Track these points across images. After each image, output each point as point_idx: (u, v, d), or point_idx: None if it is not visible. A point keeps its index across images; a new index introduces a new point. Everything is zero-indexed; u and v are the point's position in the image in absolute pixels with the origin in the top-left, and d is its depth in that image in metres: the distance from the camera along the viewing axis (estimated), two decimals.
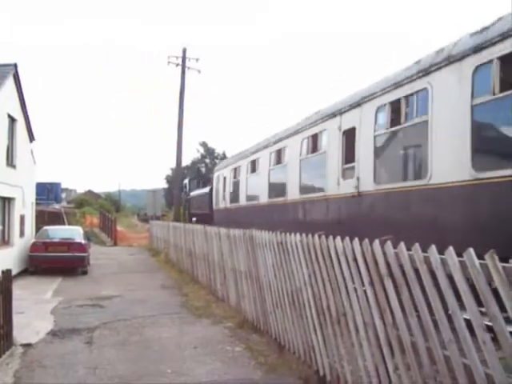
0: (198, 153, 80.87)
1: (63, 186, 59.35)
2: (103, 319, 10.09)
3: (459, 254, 3.57)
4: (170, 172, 77.47)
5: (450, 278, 3.79)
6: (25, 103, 18.09)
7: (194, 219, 28.64)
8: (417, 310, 4.26)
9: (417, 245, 4.19)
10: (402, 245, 4.38)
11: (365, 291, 5.04)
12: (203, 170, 72.81)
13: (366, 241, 4.95)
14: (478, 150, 6.90)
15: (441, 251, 3.84)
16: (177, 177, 35.49)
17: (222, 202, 21.19)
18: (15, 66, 16.70)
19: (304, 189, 12.60)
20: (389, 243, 4.61)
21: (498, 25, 6.68)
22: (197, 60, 32.93)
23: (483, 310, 3.50)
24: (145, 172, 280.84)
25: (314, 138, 12.22)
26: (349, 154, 10.33)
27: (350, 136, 10.32)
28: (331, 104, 11.57)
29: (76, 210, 51.10)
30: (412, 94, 8.46)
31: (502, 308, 3.29)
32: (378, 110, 9.42)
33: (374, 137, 9.48)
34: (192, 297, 12.51)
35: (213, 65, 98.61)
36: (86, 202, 63.53)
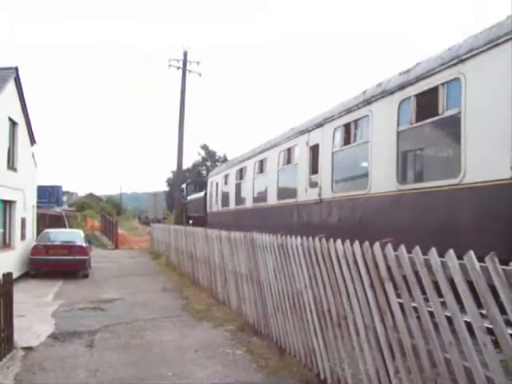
0: (199, 156, 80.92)
1: (64, 189, 59.29)
2: (104, 322, 10.09)
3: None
4: (171, 175, 77.45)
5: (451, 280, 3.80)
6: (26, 106, 18.12)
7: (190, 222, 29.86)
8: (417, 313, 4.26)
9: (417, 248, 4.19)
10: (403, 248, 4.39)
11: (365, 294, 5.04)
12: (204, 173, 72.83)
13: (367, 243, 4.96)
14: (401, 168, 8.85)
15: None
16: (178, 180, 35.52)
17: (214, 205, 23.00)
18: (16, 69, 16.74)
19: (281, 195, 14.31)
20: (389, 246, 4.61)
21: (416, 68, 8.55)
22: (197, 63, 33.02)
23: (483, 312, 3.50)
24: (146, 175, 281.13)
25: (289, 151, 13.95)
26: (314, 166, 12.01)
27: (315, 151, 11.98)
28: (303, 122, 13.20)
29: (77, 213, 51.21)
30: (359, 119, 10.18)
31: (503, 310, 3.29)
32: (335, 130, 11.13)
33: (332, 153, 11.14)
34: (193, 300, 12.51)
35: (213, 65, 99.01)
36: (87, 205, 63.65)
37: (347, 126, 10.62)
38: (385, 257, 4.63)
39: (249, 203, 17.30)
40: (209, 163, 77.91)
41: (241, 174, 18.79)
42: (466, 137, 7.20)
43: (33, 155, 20.75)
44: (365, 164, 9.80)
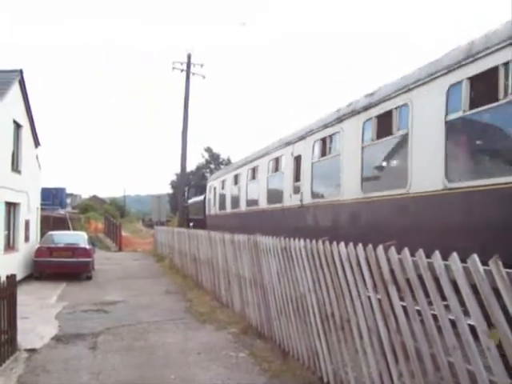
0: (203, 158, 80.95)
1: (68, 191, 59.43)
2: (107, 324, 10.10)
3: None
4: (174, 177, 77.51)
5: (454, 283, 3.79)
6: (30, 109, 18.17)
7: (191, 224, 30.38)
8: (420, 316, 4.25)
9: (421, 251, 4.18)
10: (406, 251, 4.38)
11: (369, 297, 5.03)
12: (208, 175, 72.89)
13: (370, 246, 4.96)
14: (365, 179, 10.00)
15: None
16: (181, 183, 35.55)
17: (212, 209, 24.29)
18: (21, 71, 16.79)
19: (270, 200, 15.53)
20: (393, 249, 4.60)
21: (377, 92, 9.71)
22: (201, 66, 33.01)
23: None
24: (150, 177, 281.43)
25: (277, 160, 15.18)
26: (297, 175, 13.25)
27: (298, 161, 13.24)
28: (289, 134, 14.56)
29: (81, 216, 51.28)
30: (333, 134, 11.38)
31: (506, 314, 3.28)
32: (314, 143, 12.31)
33: (312, 163, 12.38)
34: (196, 302, 12.51)
35: (213, 65, 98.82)
36: (90, 207, 63.74)
37: (324, 140, 11.91)
38: (388, 260, 4.63)
39: (243, 207, 18.61)
40: (212, 166, 77.94)
41: (236, 179, 20.08)
42: (412, 154, 8.36)
43: (37, 157, 20.80)
44: (338, 174, 10.94)
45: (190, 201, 34.46)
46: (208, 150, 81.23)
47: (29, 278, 17.46)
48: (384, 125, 9.31)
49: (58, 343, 8.70)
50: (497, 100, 6.63)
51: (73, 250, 18.03)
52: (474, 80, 7.08)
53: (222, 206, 22.13)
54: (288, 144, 14.10)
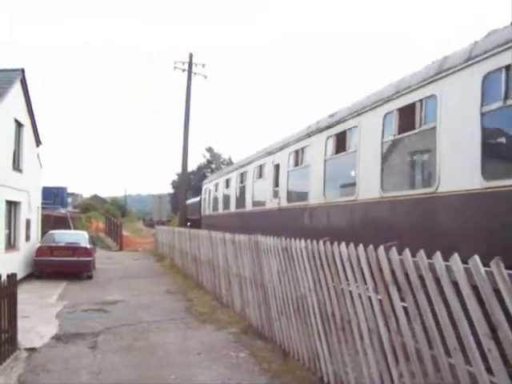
0: (204, 158, 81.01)
1: (69, 190, 59.40)
2: (108, 324, 10.09)
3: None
4: (175, 177, 77.60)
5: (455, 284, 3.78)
6: (32, 108, 18.18)
7: (188, 223, 31.15)
8: (421, 317, 4.24)
9: (422, 252, 4.18)
10: (407, 251, 4.37)
11: (369, 297, 5.02)
12: (209, 175, 72.90)
13: (371, 247, 4.95)
14: (326, 187, 11.30)
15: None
16: (182, 182, 35.55)
17: (207, 209, 26.07)
18: (22, 70, 16.79)
19: (255, 203, 17.02)
20: (394, 249, 4.60)
21: (337, 114, 11.07)
22: (203, 66, 32.99)
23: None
24: (151, 177, 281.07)
25: (261, 168, 16.69)
26: (277, 181, 14.80)
27: (278, 169, 14.79)
28: (271, 144, 16.10)
29: (82, 215, 51.26)
30: (304, 147, 12.88)
31: (507, 315, 3.28)
32: (290, 154, 13.84)
33: (287, 171, 13.92)
34: (197, 302, 12.51)
35: (213, 65, 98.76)
36: (91, 206, 63.72)
37: (297, 152, 13.48)
38: (389, 260, 4.62)
39: (233, 208, 20.20)
40: (214, 166, 77.98)
41: (227, 183, 21.68)
42: (359, 168, 9.84)
43: (38, 156, 20.80)
44: (307, 182, 12.41)
45: (188, 201, 35.31)
46: (209, 149, 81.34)
47: (29, 277, 17.46)
48: (340, 142, 10.84)
49: (58, 342, 8.70)
50: (414, 128, 8.11)
51: (73, 249, 18.03)
52: (401, 111, 8.51)
53: (215, 207, 23.81)
54: (270, 154, 15.71)
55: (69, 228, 32.85)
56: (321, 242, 6.15)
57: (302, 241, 6.71)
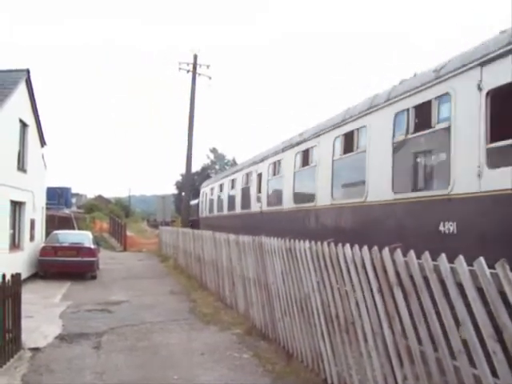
0: (208, 159, 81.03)
1: (73, 190, 59.36)
2: (111, 324, 10.10)
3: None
4: (179, 178, 77.57)
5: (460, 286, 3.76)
6: (36, 108, 18.21)
7: (190, 224, 32.18)
8: (426, 319, 4.22)
9: (426, 253, 4.16)
10: (412, 253, 4.36)
11: (374, 299, 5.01)
12: (213, 175, 72.84)
13: (375, 248, 4.94)
14: (295, 195, 13.25)
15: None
16: (186, 183, 35.56)
17: (204, 211, 28.07)
18: (28, 71, 16.84)
19: (242, 206, 19.01)
20: (398, 251, 4.58)
21: (304, 134, 12.97)
22: (207, 66, 32.99)
23: None
24: (155, 177, 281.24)
25: (248, 176, 18.57)
26: (259, 188, 16.70)
27: (260, 177, 16.71)
28: (256, 155, 18.15)
29: (86, 215, 51.42)
30: (279, 160, 14.89)
31: None
32: (269, 165, 15.83)
33: (267, 180, 15.92)
34: (200, 303, 12.51)
35: (213, 65, 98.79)
36: (95, 207, 63.85)
37: (274, 164, 15.44)
38: (394, 262, 4.61)
39: (225, 211, 22.14)
40: (217, 166, 77.99)
41: (221, 188, 23.66)
42: (317, 180, 11.62)
43: (42, 157, 20.85)
44: (281, 190, 14.37)
45: (193, 201, 35.54)
46: (213, 150, 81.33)
47: (34, 276, 17.50)
48: (306, 157, 12.79)
49: (61, 342, 8.71)
50: (353, 151, 10.17)
51: (78, 249, 18.06)
52: (345, 136, 10.47)
53: (211, 209, 25.83)
54: (255, 163, 17.82)
55: (73, 228, 32.88)
56: (325, 244, 6.14)
57: (307, 242, 6.71)
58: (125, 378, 6.80)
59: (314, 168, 12.05)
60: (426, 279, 4.18)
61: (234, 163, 62.36)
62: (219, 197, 23.87)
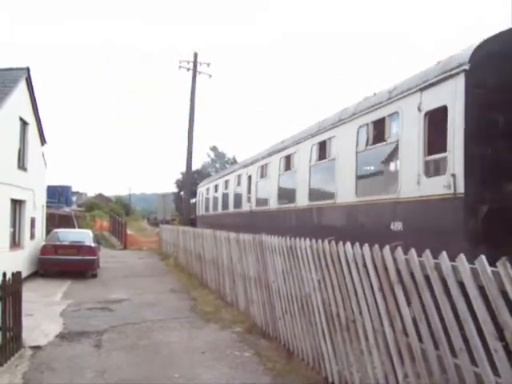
0: (209, 157, 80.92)
1: (74, 189, 59.31)
2: (112, 322, 10.11)
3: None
4: (180, 176, 77.50)
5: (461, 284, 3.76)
6: (37, 106, 18.20)
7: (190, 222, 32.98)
8: (427, 317, 4.22)
9: (427, 251, 4.16)
10: (413, 251, 4.36)
11: (374, 297, 5.01)
12: (213, 174, 72.74)
13: (376, 247, 4.94)
14: (279, 196, 14.78)
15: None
16: (187, 182, 35.56)
17: (201, 210, 29.54)
18: (28, 69, 16.82)
19: (235, 205, 20.53)
20: (399, 249, 4.58)
21: (285, 142, 14.65)
22: (208, 65, 33.00)
23: None
24: (155, 176, 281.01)
25: (239, 177, 20.16)
26: (249, 189, 18.21)
27: (250, 179, 18.18)
28: (246, 159, 20.25)
29: (86, 214, 51.40)
30: (267, 164, 16.29)
31: None
32: (257, 168, 17.25)
33: (256, 182, 17.31)
34: (201, 301, 12.51)
35: (214, 65, 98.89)
36: (96, 205, 63.84)
37: (262, 167, 16.78)
38: (395, 260, 4.60)
39: (219, 210, 23.66)
40: (218, 165, 77.93)
41: (216, 188, 25.09)
42: (298, 183, 13.09)
43: (43, 155, 20.84)
44: (269, 191, 15.78)
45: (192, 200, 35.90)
46: (213, 148, 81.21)
47: (34, 275, 17.52)
48: (288, 163, 14.17)
49: (62, 341, 8.71)
50: (325, 158, 11.52)
51: (78, 247, 18.07)
52: (319, 144, 11.87)
53: (207, 208, 27.20)
54: (245, 166, 19.33)
55: (73, 227, 32.89)
56: (326, 242, 6.14)
57: (307, 240, 6.71)
58: (126, 377, 6.80)
59: (294, 172, 13.52)
60: (427, 277, 4.18)
61: (235, 161, 62.32)
62: (214, 196, 25.23)
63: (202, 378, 6.76)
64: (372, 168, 10.23)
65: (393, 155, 8.93)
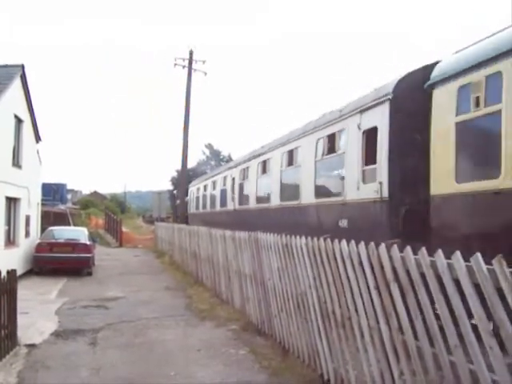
0: (204, 155, 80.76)
1: (69, 186, 59.27)
2: (107, 320, 10.09)
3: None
4: (175, 174, 77.36)
5: (457, 282, 3.77)
6: (32, 104, 18.13)
7: (178, 220, 33.43)
8: (422, 314, 4.23)
9: (423, 249, 4.17)
10: (409, 249, 4.36)
11: (370, 295, 5.01)
12: (208, 172, 72.66)
13: (372, 244, 4.95)
14: (258, 198, 16.51)
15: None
16: (182, 179, 35.49)
17: (192, 208, 31.32)
18: (22, 66, 16.74)
19: (221, 204, 22.46)
20: (395, 247, 4.59)
21: (265, 147, 16.27)
22: (203, 62, 32.89)
23: None
24: (150, 173, 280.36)
25: (224, 179, 21.97)
26: (233, 190, 20.00)
27: (234, 181, 19.96)
28: (229, 164, 23.43)
29: (81, 211, 51.22)
30: (247, 167, 18.07)
31: (510, 313, 3.27)
32: (240, 170, 19.07)
33: (239, 183, 19.11)
34: (196, 299, 12.51)
35: (214, 64, 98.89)
36: (91, 203, 63.68)
37: (244, 170, 18.54)
38: (390, 258, 4.61)
39: (208, 208, 25.64)
40: (213, 162, 77.81)
41: (205, 188, 27.00)
42: (272, 185, 15.05)
43: (38, 152, 20.77)
44: (248, 192, 17.67)
45: (178, 201, 36.79)
46: (209, 146, 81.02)
47: (29, 273, 17.47)
48: (264, 167, 16.07)
49: (57, 339, 8.70)
50: (293, 164, 13.46)
51: (73, 245, 18.03)
52: (288, 152, 13.72)
53: (197, 206, 29.19)
54: (230, 169, 21.47)
55: (68, 224, 32.81)
56: (321, 239, 6.14)
57: (303, 238, 6.71)
58: (121, 374, 6.80)
59: (269, 176, 15.32)
60: (422, 275, 4.19)
61: (230, 159, 62.25)
62: (204, 195, 27.18)
63: (198, 376, 6.76)
64: (327, 174, 11.76)
65: (341, 164, 10.51)
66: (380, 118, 8.96)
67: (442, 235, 7.39)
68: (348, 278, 5.46)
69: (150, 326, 9.74)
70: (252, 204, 16.86)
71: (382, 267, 4.75)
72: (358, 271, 5.23)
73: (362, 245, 5.12)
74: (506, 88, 6.39)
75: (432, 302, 4.11)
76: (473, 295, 3.58)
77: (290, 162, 13.63)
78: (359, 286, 5.23)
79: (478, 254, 3.52)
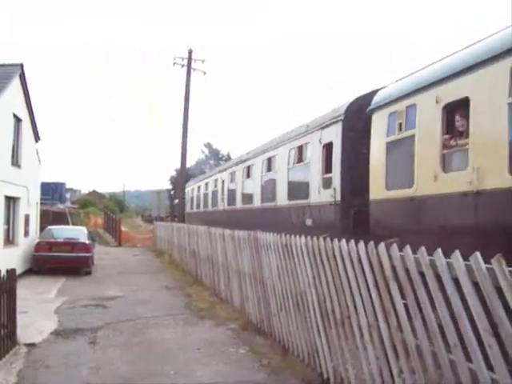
0: (203, 154, 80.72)
1: (68, 186, 59.05)
2: (107, 319, 10.10)
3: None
4: (174, 173, 77.31)
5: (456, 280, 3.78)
6: (30, 103, 18.12)
7: (175, 219, 34.44)
8: (422, 313, 4.24)
9: (422, 248, 4.18)
10: (408, 248, 4.37)
11: (369, 293, 5.02)
12: (207, 171, 72.60)
13: (372, 243, 4.96)
14: (243, 200, 18.51)
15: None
16: (181, 178, 35.48)
17: (188, 207, 32.76)
18: (21, 66, 16.73)
19: (212, 204, 24.29)
20: (394, 246, 4.60)
21: (250, 154, 18.08)
22: (202, 61, 32.89)
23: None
24: (149, 173, 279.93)
25: (215, 181, 23.79)
26: (223, 191, 21.86)
27: (223, 183, 21.89)
28: (219, 167, 25.70)
29: (80, 210, 51.20)
30: (234, 172, 20.12)
31: (509, 312, 3.28)
32: (228, 174, 20.84)
33: (228, 186, 20.92)
34: (196, 298, 12.52)
35: (213, 64, 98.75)
36: (90, 202, 63.66)
37: (232, 174, 20.38)
38: (390, 257, 4.62)
39: (202, 208, 27.40)
40: (212, 161, 77.76)
41: (199, 189, 28.78)
42: (256, 188, 16.89)
43: (37, 152, 20.76)
44: (235, 195, 19.47)
45: (176, 201, 37.81)
46: (208, 145, 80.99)
47: (28, 272, 17.46)
48: (248, 172, 17.84)
49: (57, 338, 8.70)
50: (271, 170, 15.34)
51: (72, 244, 18.03)
52: (268, 159, 15.62)
53: (192, 206, 30.93)
54: (220, 172, 23.35)
55: (67, 223, 32.76)
56: (321, 239, 6.16)
57: (302, 237, 6.73)
58: (121, 373, 6.80)
59: (252, 180, 17.28)
60: (422, 274, 4.20)
61: (229, 158, 62.25)
62: (198, 196, 29.08)
63: (197, 375, 6.77)
64: (296, 180, 13.40)
65: (307, 172, 12.25)
66: (335, 135, 10.81)
67: (376, 231, 8.76)
68: (347, 276, 5.47)
69: (150, 325, 9.74)
70: (238, 205, 18.83)
71: (381, 266, 4.76)
72: (357, 270, 5.24)
73: (361, 244, 5.14)
74: (419, 117, 7.89)
75: (431, 301, 4.13)
76: (472, 294, 3.59)
77: (269, 168, 15.59)
78: (358, 285, 5.24)
79: (478, 253, 3.53)
